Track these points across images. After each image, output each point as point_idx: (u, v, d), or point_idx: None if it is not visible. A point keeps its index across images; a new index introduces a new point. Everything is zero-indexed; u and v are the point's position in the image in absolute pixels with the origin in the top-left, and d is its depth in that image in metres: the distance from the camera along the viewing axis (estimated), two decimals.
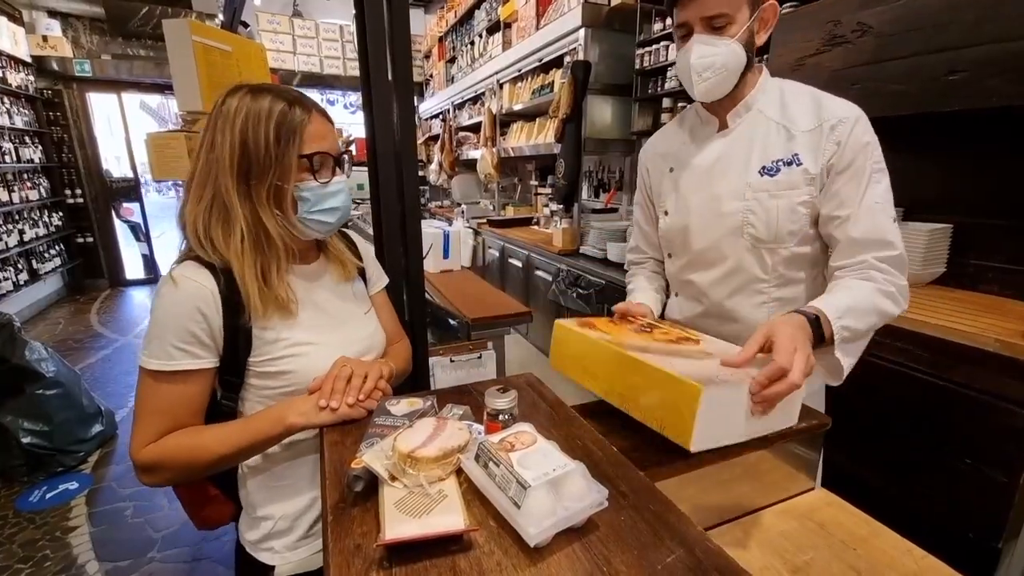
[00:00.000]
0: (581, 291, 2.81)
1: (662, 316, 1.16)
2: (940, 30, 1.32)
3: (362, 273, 1.01)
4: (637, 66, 2.78)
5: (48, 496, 2.28)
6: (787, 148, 0.92)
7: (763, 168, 0.93)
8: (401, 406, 0.71)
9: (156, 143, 1.25)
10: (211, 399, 0.83)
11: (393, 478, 0.56)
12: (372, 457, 0.58)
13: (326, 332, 0.87)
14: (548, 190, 4.03)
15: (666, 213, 1.09)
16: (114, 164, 6.33)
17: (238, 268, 0.78)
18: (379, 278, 1.07)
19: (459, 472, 0.60)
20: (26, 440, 2.32)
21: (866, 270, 0.87)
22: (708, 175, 1.00)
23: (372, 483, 0.57)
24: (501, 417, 0.65)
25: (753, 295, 0.99)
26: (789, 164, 0.91)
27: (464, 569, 0.48)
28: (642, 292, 1.18)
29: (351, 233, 1.05)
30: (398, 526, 0.49)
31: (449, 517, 0.51)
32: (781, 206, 0.92)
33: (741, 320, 1.01)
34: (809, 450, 0.85)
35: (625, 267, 1.32)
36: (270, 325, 0.82)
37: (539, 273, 3.35)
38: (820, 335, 0.79)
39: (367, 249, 1.06)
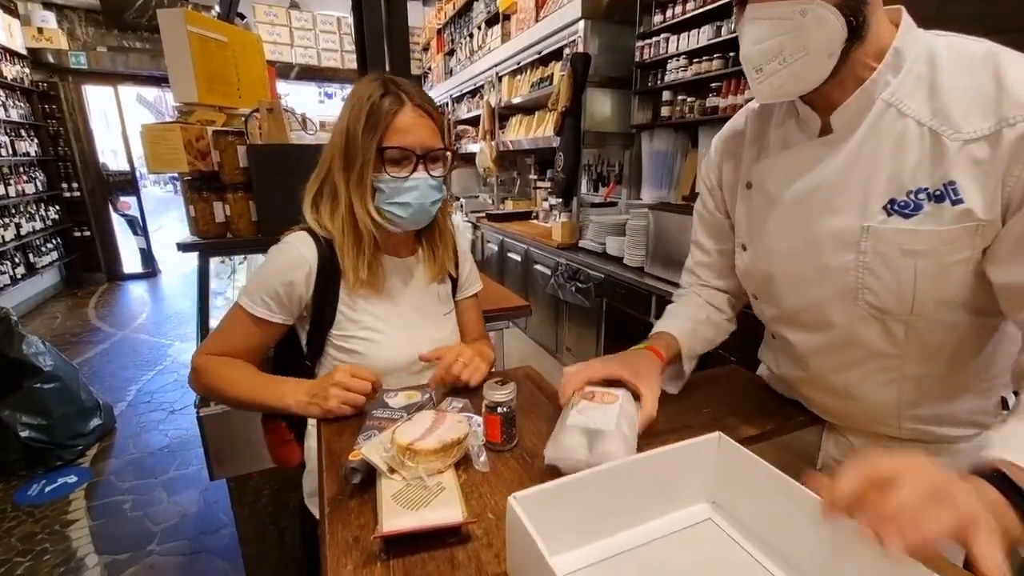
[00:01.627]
0: (580, 285, 2.81)
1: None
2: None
3: (455, 273, 1.03)
4: (637, 59, 2.76)
5: (47, 490, 2.28)
6: (937, 171, 0.57)
7: (892, 204, 0.59)
8: (399, 399, 0.71)
9: (151, 135, 1.24)
10: (296, 355, 0.93)
11: (391, 470, 0.56)
12: (370, 450, 0.58)
13: (401, 326, 0.92)
14: (547, 184, 4.02)
15: (744, 248, 0.79)
16: (111, 158, 6.30)
17: (339, 241, 0.86)
18: (472, 284, 1.09)
19: (458, 465, 0.60)
20: (24, 434, 2.31)
21: None
22: (802, 208, 0.67)
23: (370, 476, 0.57)
24: (500, 409, 0.65)
25: (876, 373, 0.70)
26: (939, 200, 0.57)
27: (462, 561, 0.47)
28: (672, 319, 0.86)
29: (457, 236, 1.05)
30: (396, 518, 0.49)
31: (447, 510, 0.51)
32: (920, 269, 0.59)
33: (861, 399, 0.73)
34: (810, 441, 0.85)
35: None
36: (354, 305, 0.89)
37: (538, 267, 3.34)
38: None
39: (466, 253, 1.08)
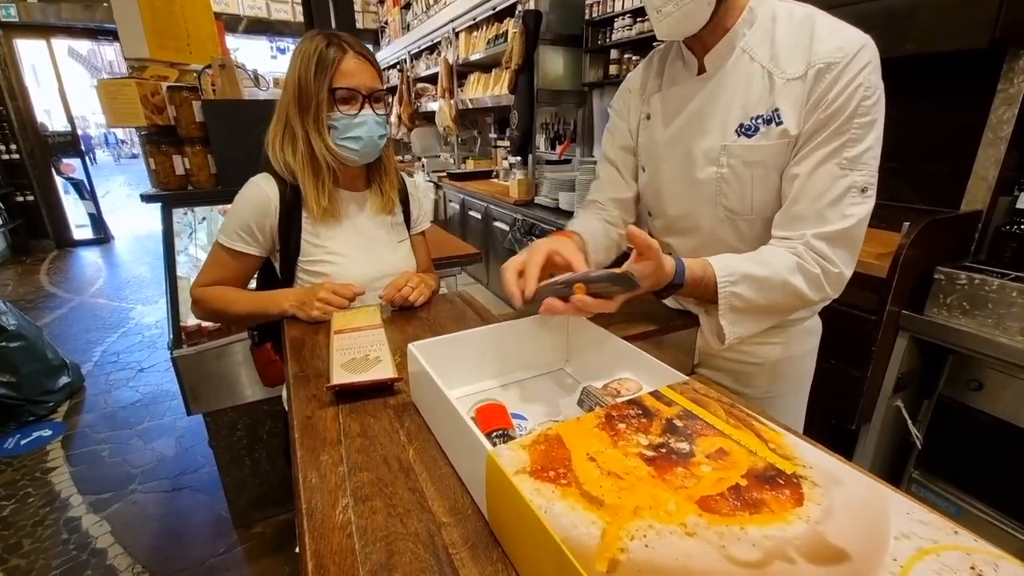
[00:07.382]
0: (535, 238, 2.98)
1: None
2: None
3: (407, 211, 1.21)
4: (587, 16, 2.83)
5: (22, 443, 2.35)
6: (769, 101, 0.75)
7: (741, 127, 0.78)
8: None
9: (107, 90, 1.29)
10: (274, 284, 1.08)
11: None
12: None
13: (359, 249, 1.09)
14: (506, 143, 4.10)
15: (643, 169, 0.95)
16: (47, 117, 5.96)
17: (300, 175, 1.01)
18: (423, 221, 1.27)
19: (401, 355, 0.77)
20: None
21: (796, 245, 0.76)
22: (682, 132, 0.84)
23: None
24: None
25: None
26: (768, 123, 0.75)
27: (392, 404, 0.65)
28: (581, 222, 0.98)
29: (408, 178, 1.23)
30: (343, 377, 0.65)
31: (381, 371, 0.67)
32: (756, 176, 0.78)
33: None
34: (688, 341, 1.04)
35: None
36: (317, 234, 1.05)
37: (497, 224, 3.48)
38: (675, 287, 0.75)
39: (418, 193, 1.25)
